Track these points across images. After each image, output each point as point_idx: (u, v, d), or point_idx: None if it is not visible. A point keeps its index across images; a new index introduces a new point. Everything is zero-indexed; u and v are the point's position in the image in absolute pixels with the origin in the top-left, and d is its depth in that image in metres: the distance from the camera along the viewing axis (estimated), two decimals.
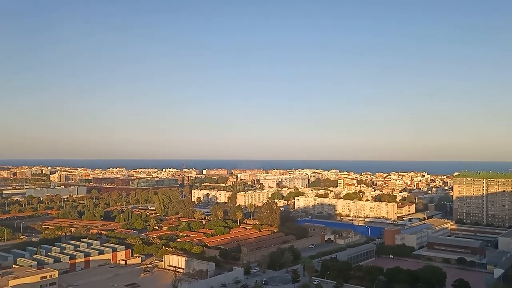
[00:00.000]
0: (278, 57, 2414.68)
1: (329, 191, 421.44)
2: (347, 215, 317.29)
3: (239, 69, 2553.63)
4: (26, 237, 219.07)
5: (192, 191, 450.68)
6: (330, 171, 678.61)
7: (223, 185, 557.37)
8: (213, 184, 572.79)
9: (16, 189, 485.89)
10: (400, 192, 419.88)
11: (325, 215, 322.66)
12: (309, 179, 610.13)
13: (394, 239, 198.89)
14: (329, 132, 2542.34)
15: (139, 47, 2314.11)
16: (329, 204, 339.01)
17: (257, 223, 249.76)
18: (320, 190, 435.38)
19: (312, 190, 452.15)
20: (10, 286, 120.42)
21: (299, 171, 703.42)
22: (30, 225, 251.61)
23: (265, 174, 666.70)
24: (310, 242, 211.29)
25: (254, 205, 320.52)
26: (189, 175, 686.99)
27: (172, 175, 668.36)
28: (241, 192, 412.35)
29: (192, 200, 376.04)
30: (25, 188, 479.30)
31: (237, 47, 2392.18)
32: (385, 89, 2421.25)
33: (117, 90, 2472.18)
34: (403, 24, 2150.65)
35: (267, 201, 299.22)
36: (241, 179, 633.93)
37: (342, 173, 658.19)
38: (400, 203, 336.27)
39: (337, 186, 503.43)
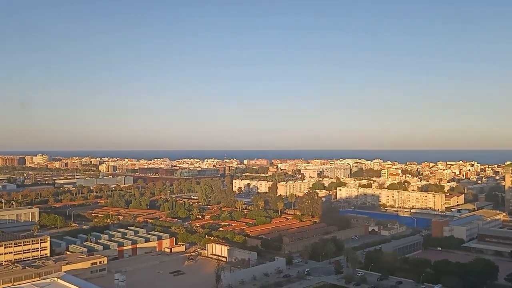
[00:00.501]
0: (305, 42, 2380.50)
1: (372, 181, 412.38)
2: (392, 206, 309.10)
3: (274, 60, 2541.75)
4: (77, 225, 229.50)
5: (233, 181, 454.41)
6: (373, 161, 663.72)
7: (264, 175, 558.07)
8: (253, 174, 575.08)
9: (68, 179, 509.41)
10: (448, 182, 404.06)
11: (368, 206, 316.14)
12: (351, 169, 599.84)
13: (442, 231, 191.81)
14: (371, 121, 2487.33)
15: (185, 39, 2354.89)
16: (372, 195, 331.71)
17: (299, 213, 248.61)
18: (363, 180, 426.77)
19: (354, 180, 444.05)
20: (63, 271, 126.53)
21: (340, 161, 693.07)
22: (81, 213, 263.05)
23: (305, 164, 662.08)
24: (353, 233, 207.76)
25: (295, 195, 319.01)
26: (230, 165, 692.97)
27: (214, 165, 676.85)
28: (282, 182, 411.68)
29: (233, 190, 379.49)
30: (76, 178, 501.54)
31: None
32: (427, 77, 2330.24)
33: (160, 81, 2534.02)
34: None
35: (308, 191, 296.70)
36: (281, 169, 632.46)
37: (386, 163, 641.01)
38: (448, 194, 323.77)
39: (380, 176, 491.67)
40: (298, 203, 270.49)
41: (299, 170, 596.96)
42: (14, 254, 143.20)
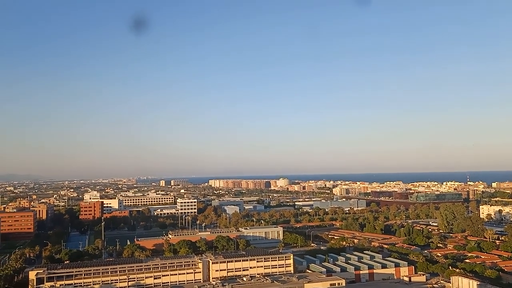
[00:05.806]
0: None
1: None
2: None
3: None
4: (315, 245, 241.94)
5: (480, 206, 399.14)
6: None
7: None
8: (506, 200, 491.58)
9: (306, 201, 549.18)
10: None
11: None
12: None
13: None
14: None
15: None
16: None
17: None
18: None
19: None
20: None
21: None
22: (318, 234, 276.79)
23: None
24: None
25: None
26: (475, 188, 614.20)
27: (455, 189, 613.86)
28: None
29: (481, 217, 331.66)
30: (313, 200, 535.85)
31: None
32: None
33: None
34: None
35: None
36: None
37: None
38: None
39: None
40: None
41: None
42: (264, 268, 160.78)
